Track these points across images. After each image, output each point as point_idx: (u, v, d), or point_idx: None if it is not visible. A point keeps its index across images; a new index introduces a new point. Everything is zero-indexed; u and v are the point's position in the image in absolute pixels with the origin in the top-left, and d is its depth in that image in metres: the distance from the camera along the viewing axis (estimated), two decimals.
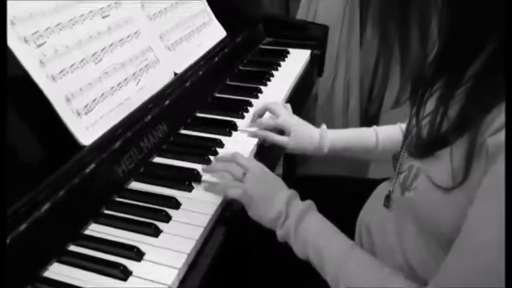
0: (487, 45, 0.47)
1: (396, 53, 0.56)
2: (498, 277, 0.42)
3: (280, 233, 0.67)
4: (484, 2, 0.45)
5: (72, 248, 0.63)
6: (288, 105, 0.95)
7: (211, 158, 0.83)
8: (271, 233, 0.68)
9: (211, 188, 0.75)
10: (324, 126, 0.89)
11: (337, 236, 0.64)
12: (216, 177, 0.77)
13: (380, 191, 0.75)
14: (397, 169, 0.65)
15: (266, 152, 0.90)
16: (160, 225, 0.66)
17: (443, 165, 0.50)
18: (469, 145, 0.47)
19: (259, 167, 0.74)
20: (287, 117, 0.90)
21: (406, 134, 0.63)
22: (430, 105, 0.55)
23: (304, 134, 0.87)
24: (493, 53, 0.47)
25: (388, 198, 0.67)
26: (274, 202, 0.68)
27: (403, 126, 0.85)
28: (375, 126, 0.88)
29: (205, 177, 0.77)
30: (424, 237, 0.58)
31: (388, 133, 0.86)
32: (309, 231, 0.65)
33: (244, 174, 0.73)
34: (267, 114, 0.94)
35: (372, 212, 0.73)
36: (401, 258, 0.61)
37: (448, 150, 0.50)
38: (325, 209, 0.69)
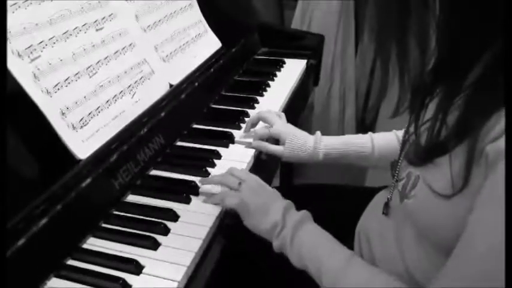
0: (486, 52, 0.47)
1: (393, 62, 0.56)
2: (498, 284, 0.41)
3: (276, 244, 0.66)
4: (482, 10, 0.45)
5: (71, 262, 0.62)
6: (282, 114, 0.95)
7: (209, 169, 0.82)
8: (270, 242, 0.68)
9: (208, 199, 0.74)
10: (318, 133, 0.89)
11: (334, 246, 0.64)
12: (213, 189, 0.76)
13: (378, 199, 0.74)
14: (395, 177, 0.65)
15: (263, 163, 0.90)
16: (159, 238, 0.66)
17: (442, 172, 0.50)
18: (468, 152, 0.46)
19: (254, 179, 0.75)
20: (281, 126, 0.90)
21: (404, 141, 0.63)
22: (428, 112, 0.55)
23: (298, 142, 0.87)
24: (492, 59, 0.47)
25: (387, 205, 0.67)
26: (270, 212, 0.68)
27: (399, 133, 0.85)
28: (370, 133, 0.88)
29: (203, 188, 0.77)
30: (423, 245, 0.57)
31: (384, 140, 0.86)
32: (305, 242, 0.64)
33: (240, 184, 0.72)
34: (261, 124, 0.94)
35: (370, 220, 0.73)
36: (402, 266, 0.61)
37: (447, 158, 0.50)
38: (322, 218, 0.68)
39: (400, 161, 0.64)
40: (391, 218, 0.66)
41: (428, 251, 0.56)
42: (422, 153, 0.54)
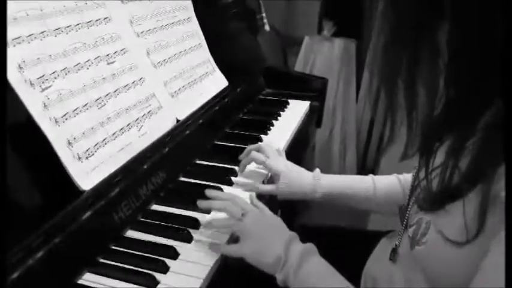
0: (497, 97, 0.47)
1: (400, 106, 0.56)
2: None
3: (279, 278, 0.64)
4: (492, 56, 0.46)
5: None
6: (282, 151, 0.94)
7: None
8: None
9: (210, 240, 0.72)
10: (317, 170, 0.88)
11: (338, 282, 0.62)
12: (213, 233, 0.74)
13: (384, 245, 0.73)
14: (404, 222, 0.63)
15: (268, 200, 0.89)
16: (158, 276, 0.63)
17: (455, 218, 0.49)
18: (482, 198, 0.46)
19: (257, 211, 0.72)
20: (278, 160, 0.89)
21: (414, 186, 0.62)
22: (439, 157, 0.54)
23: (294, 176, 0.85)
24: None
25: (394, 252, 0.65)
26: (273, 246, 0.66)
27: (400, 176, 0.84)
28: (371, 175, 0.87)
29: (202, 229, 0.75)
30: None
31: (385, 182, 0.85)
32: (309, 277, 0.63)
33: (243, 215, 0.70)
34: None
35: (377, 266, 0.71)
36: None
37: (460, 203, 0.49)
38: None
39: (409, 206, 0.63)
40: (399, 264, 0.64)
41: None
42: (433, 199, 0.53)
